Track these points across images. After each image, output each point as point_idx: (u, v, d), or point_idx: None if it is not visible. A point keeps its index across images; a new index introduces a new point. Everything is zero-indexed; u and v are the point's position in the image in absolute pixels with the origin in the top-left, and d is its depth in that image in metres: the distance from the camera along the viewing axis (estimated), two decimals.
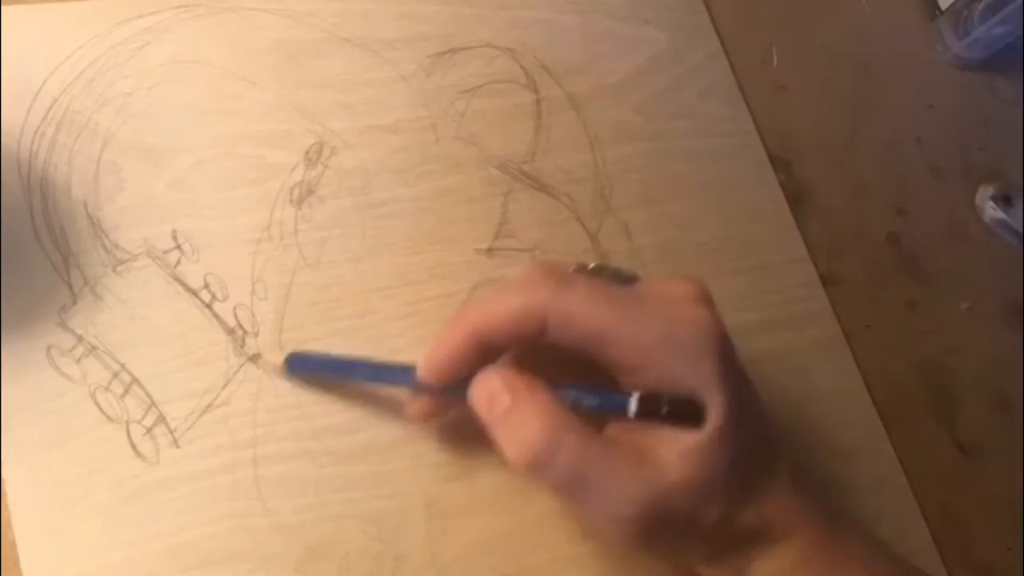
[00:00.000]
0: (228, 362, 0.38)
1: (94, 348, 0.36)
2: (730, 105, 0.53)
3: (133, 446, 0.35)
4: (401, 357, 0.40)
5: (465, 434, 0.40)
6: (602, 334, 0.34)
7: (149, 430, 0.36)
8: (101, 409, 0.36)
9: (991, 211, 0.55)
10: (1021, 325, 0.54)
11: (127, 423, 0.36)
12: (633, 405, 0.34)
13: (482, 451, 0.40)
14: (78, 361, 0.36)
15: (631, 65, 0.52)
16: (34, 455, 0.34)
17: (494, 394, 0.34)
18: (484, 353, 0.35)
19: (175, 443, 0.36)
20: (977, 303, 0.54)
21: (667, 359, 0.34)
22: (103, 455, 0.35)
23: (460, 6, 0.49)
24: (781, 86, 0.56)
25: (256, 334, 0.39)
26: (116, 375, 0.36)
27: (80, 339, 0.36)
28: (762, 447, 0.36)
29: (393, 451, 0.39)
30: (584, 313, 0.34)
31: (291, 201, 0.42)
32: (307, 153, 0.43)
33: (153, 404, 0.36)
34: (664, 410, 0.34)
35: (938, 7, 0.61)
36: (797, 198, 0.53)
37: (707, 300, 0.36)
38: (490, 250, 0.44)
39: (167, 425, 0.36)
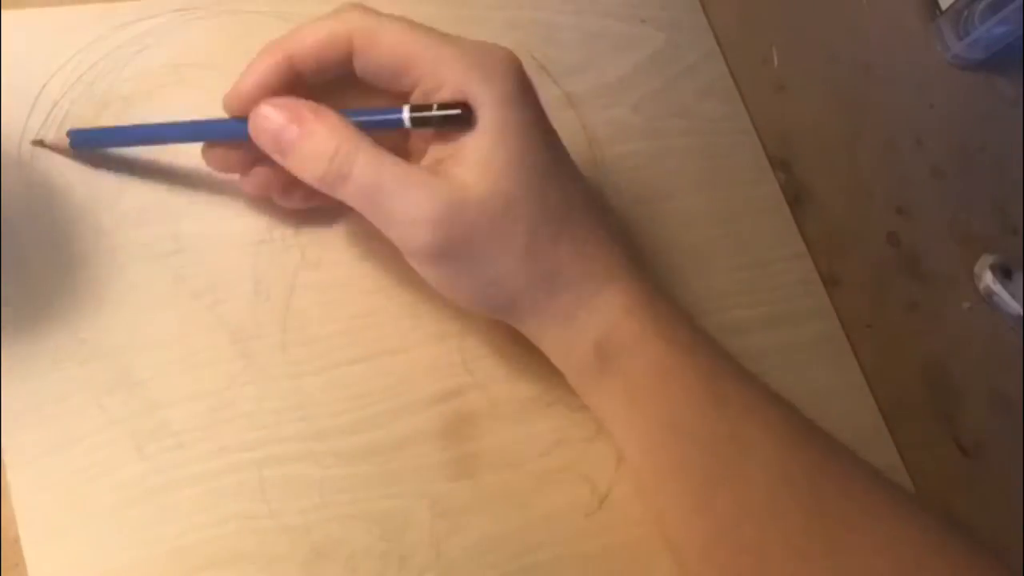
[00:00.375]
0: (231, 364, 0.38)
1: (97, 351, 0.36)
2: (727, 103, 0.54)
3: (137, 449, 0.36)
4: (401, 359, 0.41)
5: (469, 434, 0.40)
6: (405, 54, 0.35)
7: (153, 433, 0.36)
8: (105, 412, 0.36)
9: (989, 282, 0.54)
10: (1022, 324, 0.54)
11: (131, 426, 0.36)
12: (406, 113, 0.35)
13: (486, 450, 0.41)
14: (81, 364, 0.36)
15: (628, 64, 0.52)
16: (38, 458, 0.34)
17: (281, 123, 0.35)
18: (292, 84, 0.35)
19: (180, 445, 0.36)
20: (977, 303, 0.55)
21: (465, 77, 0.35)
22: (107, 458, 0.35)
23: (457, 8, 0.49)
24: (781, 86, 0.56)
25: (259, 336, 0.39)
26: (120, 378, 0.36)
27: (83, 342, 0.36)
28: (564, 181, 0.37)
29: (397, 451, 0.39)
30: (389, 33, 0.35)
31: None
32: None
33: (157, 407, 0.36)
34: (434, 110, 0.34)
35: (938, 7, 0.61)
36: (797, 198, 0.53)
37: (511, 53, 0.37)
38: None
39: (171, 428, 0.36)
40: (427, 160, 0.37)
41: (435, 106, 0.34)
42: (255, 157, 0.37)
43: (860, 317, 0.51)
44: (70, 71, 0.40)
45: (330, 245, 0.42)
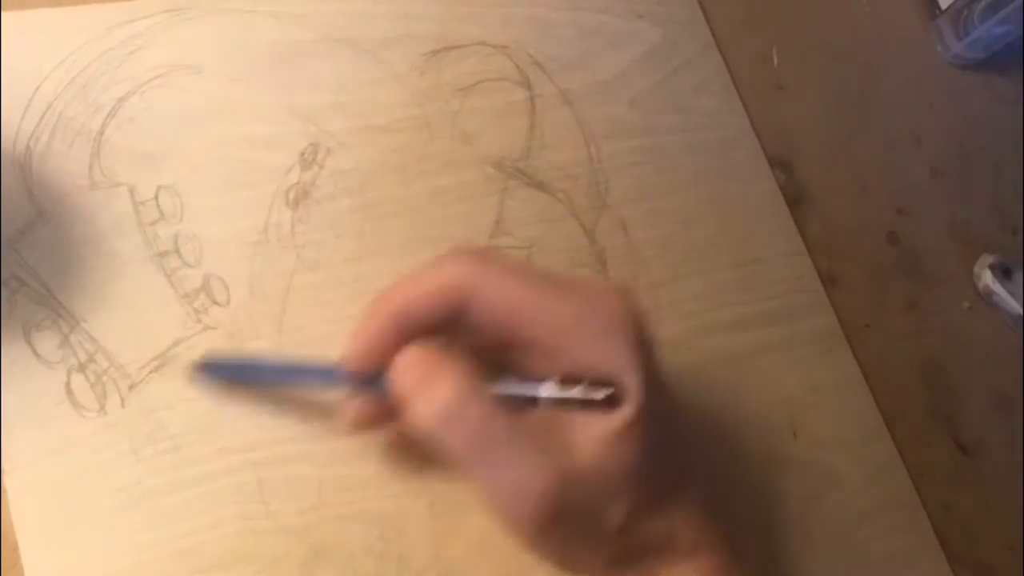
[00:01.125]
0: None
1: (92, 354, 0.37)
2: (724, 99, 0.54)
3: (134, 452, 0.36)
4: None
5: None
6: (514, 309, 0.34)
7: (149, 436, 0.36)
8: (101, 415, 0.36)
9: (988, 282, 0.55)
10: (1022, 324, 0.54)
11: (128, 429, 0.36)
12: (548, 389, 0.33)
13: None
14: (77, 368, 0.36)
15: (625, 60, 0.52)
16: (35, 462, 0.35)
17: (409, 364, 0.34)
18: (406, 338, 0.34)
19: (176, 448, 0.36)
20: (977, 302, 0.55)
21: (583, 338, 0.34)
22: (104, 462, 0.35)
23: (453, 5, 0.49)
24: (781, 86, 0.57)
25: (256, 337, 0.39)
26: (115, 380, 0.37)
27: (78, 344, 0.37)
28: (677, 454, 0.35)
29: (395, 451, 0.39)
30: (504, 289, 0.34)
31: (287, 203, 0.42)
32: (302, 155, 0.43)
33: (153, 409, 0.37)
34: (580, 389, 0.33)
35: (938, 7, 0.62)
36: (797, 198, 0.54)
37: (628, 293, 0.35)
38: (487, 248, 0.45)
39: (168, 430, 0.37)
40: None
41: (584, 383, 0.33)
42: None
43: (860, 317, 0.52)
44: (63, 73, 0.40)
45: (326, 247, 0.42)
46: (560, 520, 0.32)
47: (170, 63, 0.42)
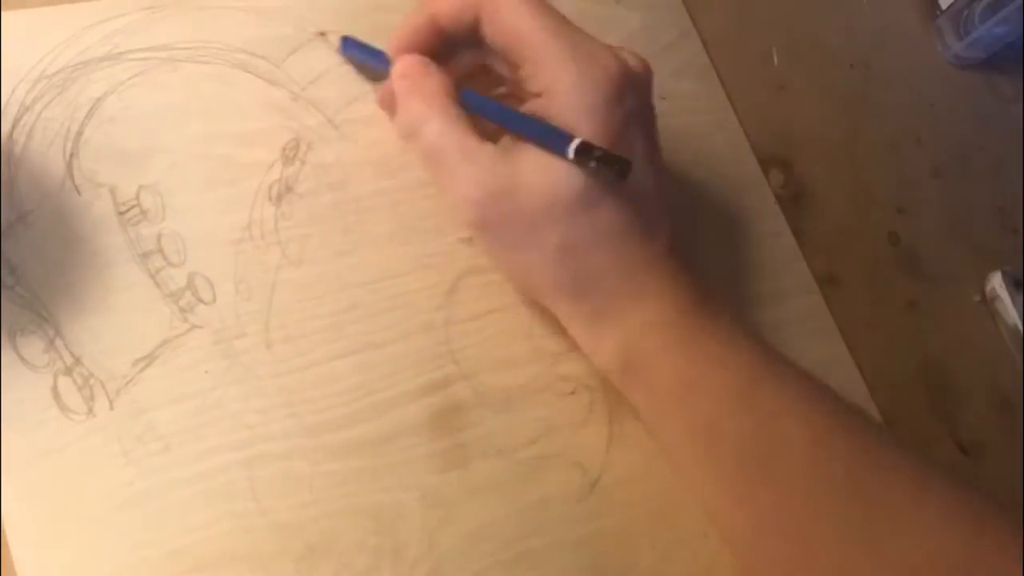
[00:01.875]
0: (215, 364, 0.38)
1: (79, 356, 0.37)
2: (704, 83, 0.54)
3: (124, 453, 0.36)
4: (386, 352, 0.41)
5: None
6: (518, 33, 0.38)
7: (139, 437, 0.36)
8: (90, 417, 0.36)
9: (996, 286, 0.55)
10: (1021, 324, 0.55)
11: (117, 430, 0.36)
12: (572, 148, 0.36)
13: (475, 440, 0.41)
14: (63, 371, 0.36)
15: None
16: (25, 467, 0.34)
17: (399, 74, 0.39)
18: (439, 39, 0.40)
19: (167, 448, 0.36)
20: (979, 303, 0.56)
21: (562, 72, 0.38)
22: (94, 464, 0.35)
23: None
24: (781, 86, 0.57)
25: (242, 335, 0.39)
26: (103, 382, 0.37)
27: (64, 347, 0.37)
28: (628, 202, 0.39)
29: (386, 444, 0.40)
30: (509, 10, 0.38)
31: (270, 199, 0.42)
32: (284, 150, 0.43)
33: (142, 410, 0.36)
34: (593, 163, 0.36)
35: (938, 7, 0.62)
36: (797, 198, 0.54)
37: (639, 59, 0.40)
38: (472, 238, 0.44)
39: (157, 431, 0.36)
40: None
41: (597, 154, 0.36)
42: None
43: (860, 317, 0.52)
44: (39, 73, 0.40)
45: (310, 242, 0.42)
46: (495, 225, 0.38)
47: (147, 61, 0.42)
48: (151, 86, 0.42)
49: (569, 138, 0.36)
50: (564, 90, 0.37)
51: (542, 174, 0.37)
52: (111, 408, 0.36)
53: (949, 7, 0.61)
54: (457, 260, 0.44)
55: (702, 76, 0.54)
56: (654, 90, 0.42)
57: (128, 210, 0.39)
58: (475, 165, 0.37)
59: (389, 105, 0.42)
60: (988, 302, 0.56)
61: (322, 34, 0.45)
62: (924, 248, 0.56)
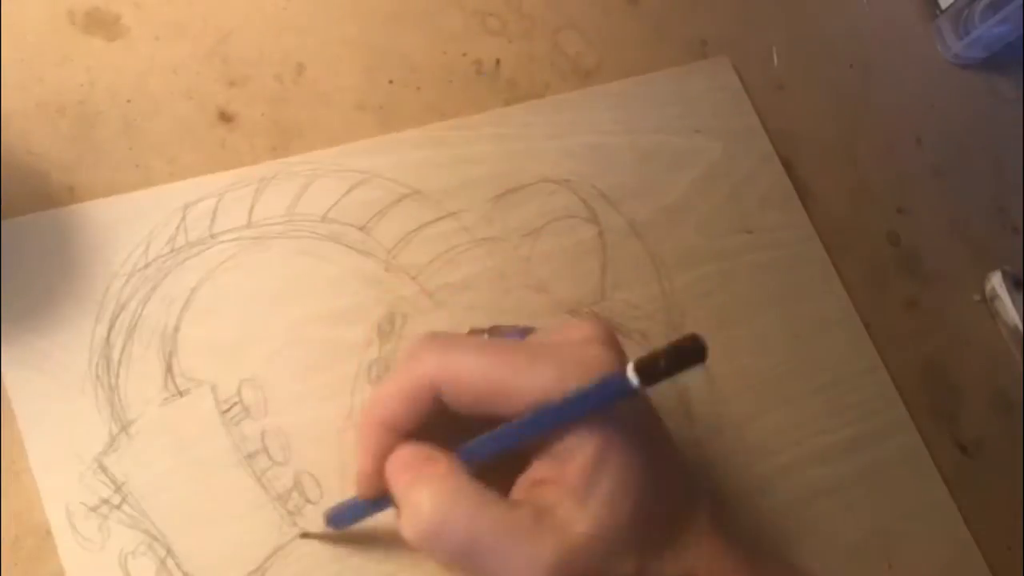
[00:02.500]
0: (326, 569, 0.38)
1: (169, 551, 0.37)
2: (787, 210, 0.53)
3: None
4: None
5: None
6: (493, 389, 0.33)
7: None
8: None
9: (996, 285, 0.55)
10: (1022, 324, 0.55)
11: None
12: (631, 371, 0.31)
13: None
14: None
15: (687, 179, 0.51)
16: None
17: (396, 471, 0.34)
18: (397, 441, 0.34)
19: None
20: (978, 302, 0.56)
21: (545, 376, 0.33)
22: None
23: (511, 142, 0.48)
24: (781, 86, 0.57)
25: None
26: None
27: (163, 562, 0.36)
28: (675, 491, 0.35)
29: None
30: (472, 371, 0.33)
31: (370, 381, 0.41)
32: (379, 326, 0.42)
33: None
34: (663, 362, 0.30)
35: (938, 6, 0.61)
36: (797, 197, 0.54)
37: (606, 340, 0.35)
38: None
39: None
40: (523, 482, 0.35)
41: (663, 360, 0.30)
42: None
43: (860, 316, 0.52)
44: (131, 267, 0.39)
45: None
46: None
47: (239, 241, 0.41)
48: (245, 270, 0.41)
49: (622, 373, 0.31)
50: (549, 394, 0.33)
51: (590, 512, 0.32)
52: None
53: (949, 7, 0.60)
54: None
55: (786, 203, 0.53)
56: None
57: (230, 408, 0.39)
58: (524, 541, 0.32)
59: (370, 486, 0.36)
60: (988, 302, 0.56)
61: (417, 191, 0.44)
62: (924, 248, 0.56)
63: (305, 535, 0.38)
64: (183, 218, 0.41)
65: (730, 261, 0.51)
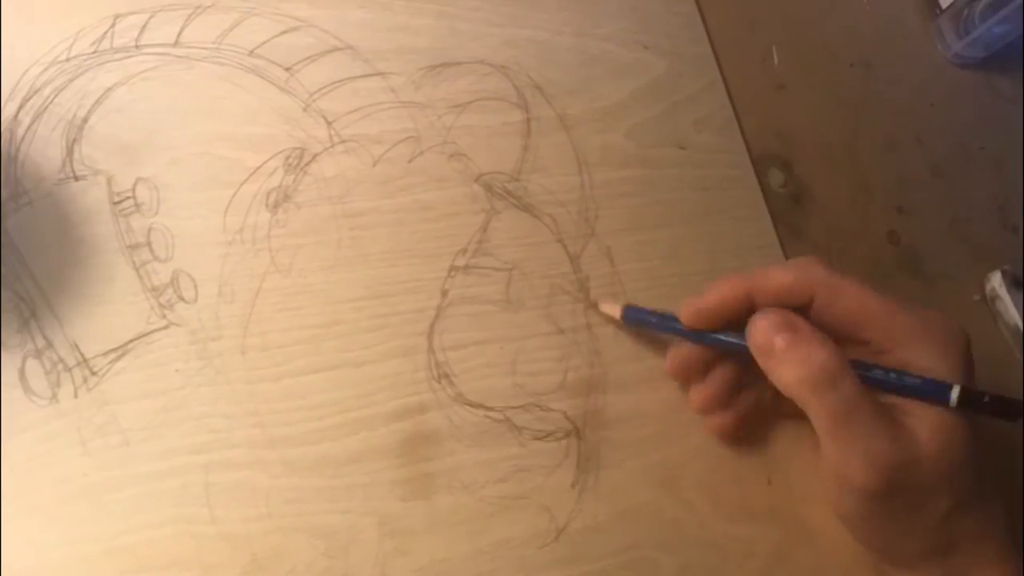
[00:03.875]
0: (187, 363, 0.38)
1: (52, 341, 0.37)
2: (725, 136, 0.53)
3: (82, 444, 0.36)
4: (363, 371, 0.40)
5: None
6: (864, 313, 0.39)
7: (100, 428, 0.36)
8: (53, 404, 0.36)
9: (996, 285, 0.55)
10: (1022, 324, 0.53)
11: (78, 419, 0.36)
12: (955, 395, 0.37)
13: (443, 472, 0.40)
14: (34, 354, 0.37)
15: (626, 90, 0.51)
16: None
17: (777, 327, 0.38)
18: (745, 312, 0.40)
19: (126, 443, 0.36)
20: (978, 302, 0.55)
21: (920, 345, 0.39)
22: (50, 451, 0.36)
23: (456, 21, 0.49)
24: (781, 85, 0.57)
25: (219, 338, 0.39)
26: (72, 369, 0.37)
27: (38, 331, 0.37)
28: (986, 459, 0.39)
29: (349, 465, 0.39)
30: (852, 293, 0.39)
31: (266, 206, 0.42)
32: (287, 158, 0.43)
33: (106, 402, 0.37)
34: (986, 399, 0.37)
35: (939, 6, 0.62)
36: (797, 197, 0.54)
37: (956, 321, 0.41)
38: (467, 267, 0.44)
39: (119, 424, 0.37)
40: None
41: (987, 398, 0.37)
42: (709, 367, 0.43)
43: None
44: (52, 58, 0.41)
45: (301, 252, 0.42)
46: (893, 496, 0.37)
47: (163, 57, 0.42)
48: (163, 82, 0.42)
49: (949, 386, 0.37)
50: (924, 356, 0.39)
51: (939, 435, 0.37)
52: (75, 396, 0.37)
53: (949, 6, 0.60)
54: (447, 287, 0.44)
55: (725, 129, 0.53)
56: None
57: (122, 200, 0.40)
58: (881, 435, 0.37)
59: (681, 370, 0.43)
60: (988, 301, 0.55)
61: (349, 47, 0.45)
62: (924, 248, 0.55)
63: (592, 304, 0.45)
64: (112, 25, 0.42)
65: (656, 170, 0.50)
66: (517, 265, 0.45)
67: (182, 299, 0.39)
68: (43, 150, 0.39)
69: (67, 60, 0.41)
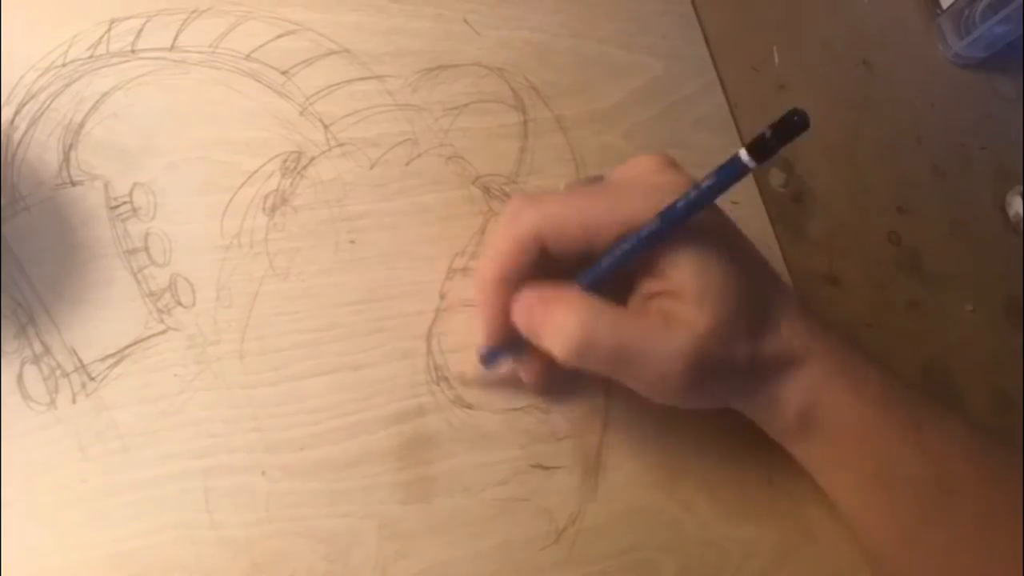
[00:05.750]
0: (186, 368, 0.38)
1: (50, 346, 0.37)
2: (722, 135, 0.53)
3: (81, 449, 0.36)
4: (362, 375, 0.40)
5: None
6: (593, 226, 0.37)
7: (99, 434, 0.36)
8: (51, 409, 0.36)
9: (1020, 209, 0.56)
10: (1022, 324, 0.54)
11: (77, 425, 0.36)
12: (744, 154, 0.35)
13: (443, 474, 0.40)
14: (32, 360, 0.37)
15: (623, 91, 0.52)
16: None
17: (527, 307, 0.38)
18: (512, 291, 0.39)
19: (125, 448, 0.36)
20: (979, 302, 0.54)
21: (642, 197, 0.37)
22: (49, 456, 0.36)
23: (452, 23, 0.49)
24: (781, 85, 0.57)
25: (217, 342, 0.39)
26: (71, 375, 0.37)
27: (36, 336, 0.37)
28: (764, 281, 0.40)
29: (349, 469, 0.39)
30: (570, 215, 0.37)
31: (264, 209, 0.42)
32: (284, 162, 0.43)
33: (105, 407, 0.37)
34: (769, 134, 0.34)
35: (939, 6, 0.62)
36: (798, 197, 0.54)
37: (673, 165, 0.40)
38: (465, 270, 0.44)
39: (117, 429, 0.37)
40: (637, 298, 0.39)
41: (769, 132, 0.34)
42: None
43: (860, 316, 0.52)
44: (49, 63, 0.41)
45: (299, 256, 0.42)
46: (702, 381, 0.37)
47: (160, 61, 0.43)
48: (160, 86, 0.42)
49: (736, 156, 0.35)
50: (640, 221, 0.37)
51: (705, 310, 0.37)
52: (73, 402, 0.36)
53: (950, 6, 0.60)
54: (446, 290, 0.43)
55: (722, 130, 0.53)
56: None
57: (119, 205, 0.40)
58: (661, 340, 0.37)
59: (537, 376, 0.42)
60: (1014, 226, 0.57)
61: (345, 50, 0.46)
62: (924, 248, 0.55)
63: (464, 381, 0.42)
64: (108, 30, 0.43)
65: None
66: None
67: (180, 304, 0.39)
68: (40, 155, 0.40)
69: (63, 65, 0.41)
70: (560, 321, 0.37)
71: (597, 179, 0.43)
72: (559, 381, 0.42)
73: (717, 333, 0.37)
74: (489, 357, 0.41)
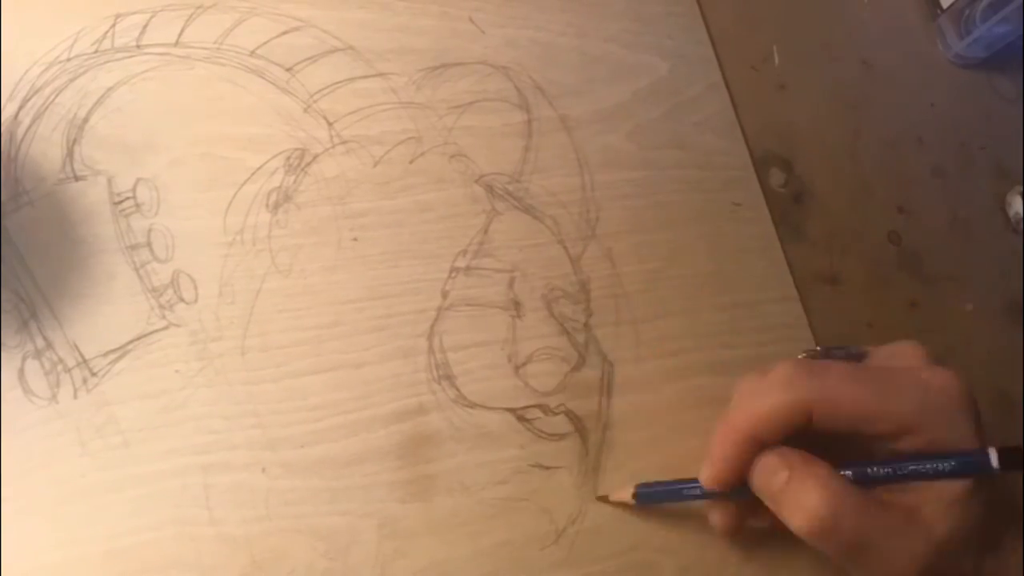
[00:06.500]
0: (188, 364, 0.38)
1: (52, 341, 0.37)
2: (727, 138, 0.53)
3: (81, 444, 0.36)
4: (363, 372, 0.40)
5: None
6: (865, 414, 0.38)
7: (99, 429, 0.36)
8: (53, 404, 0.36)
9: (1020, 209, 0.56)
10: (1022, 324, 0.54)
11: (78, 420, 0.36)
12: (995, 460, 0.37)
13: (443, 473, 0.40)
14: (34, 354, 0.36)
15: (629, 90, 0.51)
16: None
17: (773, 470, 0.38)
18: (757, 450, 0.39)
19: (125, 444, 0.36)
20: (978, 303, 0.55)
21: (929, 425, 0.38)
22: (50, 451, 0.35)
23: (457, 22, 0.49)
24: (782, 85, 0.57)
25: (219, 339, 0.39)
26: (73, 370, 0.37)
27: (38, 331, 0.37)
28: (997, 497, 0.39)
29: (349, 467, 0.39)
30: (846, 398, 0.38)
31: (267, 206, 0.42)
32: (288, 159, 0.43)
33: (106, 402, 0.37)
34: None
35: (939, 6, 0.62)
36: (798, 197, 0.54)
37: (937, 360, 0.41)
38: (467, 268, 0.44)
39: (118, 425, 0.36)
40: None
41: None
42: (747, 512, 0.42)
43: (860, 316, 0.52)
44: (53, 58, 0.41)
45: (301, 253, 0.42)
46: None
47: (165, 57, 0.42)
48: (164, 82, 0.42)
49: (984, 451, 0.37)
50: (911, 420, 0.38)
51: (949, 512, 0.37)
52: (75, 397, 0.36)
53: (950, 6, 0.60)
54: (448, 289, 0.43)
55: (727, 132, 0.53)
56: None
57: (122, 201, 0.40)
58: (900, 538, 0.37)
59: (725, 525, 0.42)
60: (1014, 226, 0.57)
61: (350, 47, 0.45)
62: (925, 247, 0.55)
63: (601, 499, 0.42)
64: (113, 25, 0.42)
65: (657, 171, 0.50)
66: (518, 266, 0.45)
67: (182, 300, 0.39)
68: (43, 150, 0.39)
69: (68, 60, 0.41)
70: (803, 493, 0.37)
71: (861, 355, 0.42)
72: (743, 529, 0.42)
73: (954, 540, 0.37)
74: (645, 497, 0.41)
